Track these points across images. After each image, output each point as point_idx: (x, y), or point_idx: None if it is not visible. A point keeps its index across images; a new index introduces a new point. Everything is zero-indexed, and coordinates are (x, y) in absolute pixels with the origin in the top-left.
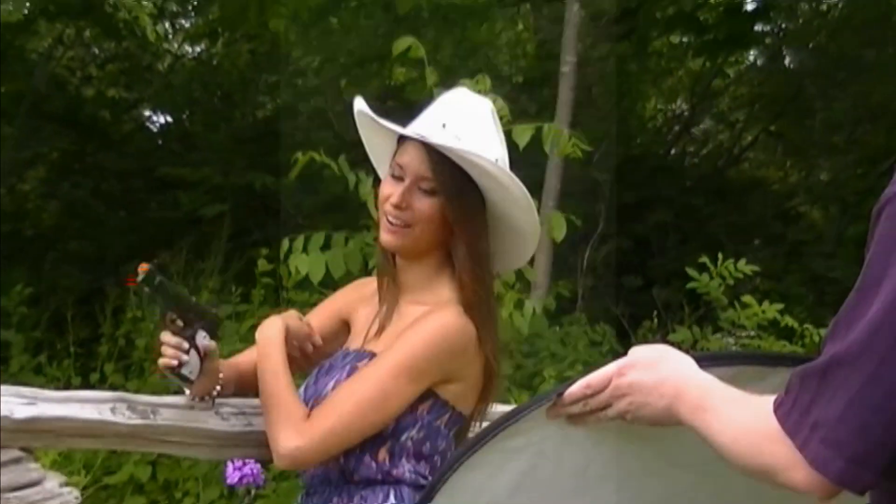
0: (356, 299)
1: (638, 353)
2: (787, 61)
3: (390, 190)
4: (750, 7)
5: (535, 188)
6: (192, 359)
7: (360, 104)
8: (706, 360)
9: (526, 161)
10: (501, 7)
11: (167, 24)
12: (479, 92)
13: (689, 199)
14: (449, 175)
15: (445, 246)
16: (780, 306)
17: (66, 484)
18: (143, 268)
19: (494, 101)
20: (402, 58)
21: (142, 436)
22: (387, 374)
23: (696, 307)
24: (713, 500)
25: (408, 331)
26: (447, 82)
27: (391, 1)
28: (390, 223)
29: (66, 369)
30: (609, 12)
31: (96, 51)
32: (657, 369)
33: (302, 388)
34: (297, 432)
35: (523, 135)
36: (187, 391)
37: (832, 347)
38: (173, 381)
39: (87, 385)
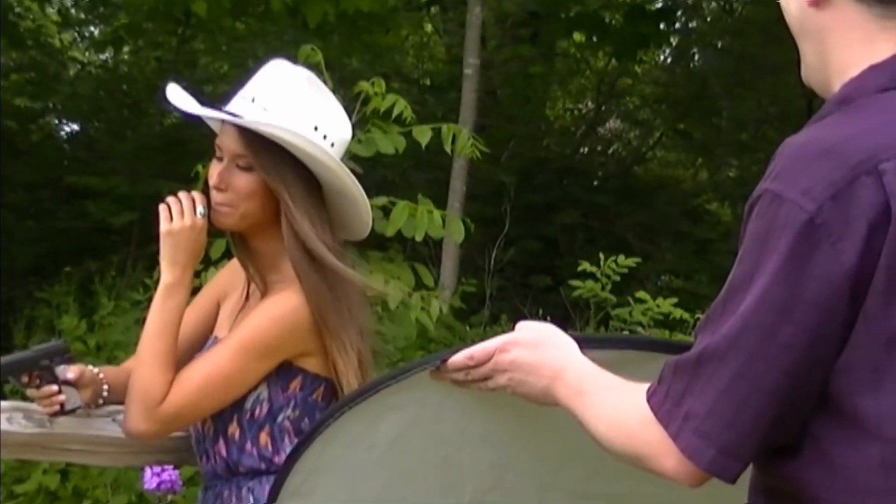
0: (229, 282)
1: (523, 331)
2: (694, 61)
3: (212, 171)
4: (656, 6)
5: (443, 189)
6: (68, 392)
7: (171, 91)
8: (590, 343)
9: (434, 163)
10: (408, 11)
11: (74, 32)
12: (375, 94)
13: (596, 198)
14: (262, 148)
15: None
16: (675, 300)
17: None
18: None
19: (396, 102)
20: (305, 64)
21: (40, 444)
22: (230, 354)
23: (601, 306)
24: (585, 467)
25: (252, 312)
26: (349, 86)
27: (297, 7)
28: (216, 205)
29: None
30: (513, 15)
31: (2, 60)
32: (539, 349)
33: None
34: (146, 417)
35: (423, 135)
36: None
37: (704, 340)
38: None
39: (1, 395)
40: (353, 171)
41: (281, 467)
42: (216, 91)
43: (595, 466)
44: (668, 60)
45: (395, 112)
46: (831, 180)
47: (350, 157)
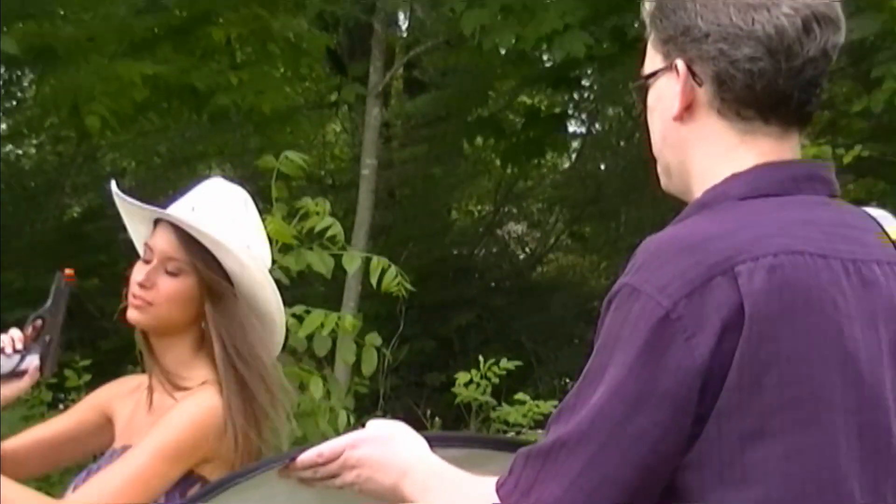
0: (117, 395)
1: (373, 428)
2: (590, 165)
3: (138, 271)
4: (554, 111)
5: (339, 287)
6: (10, 360)
7: (114, 188)
8: (437, 441)
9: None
10: (314, 110)
11: None
12: (317, 214)
13: (491, 299)
14: (198, 254)
15: (198, 327)
16: (555, 402)
17: None
18: (70, 273)
19: (332, 226)
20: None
21: None
22: (149, 458)
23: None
24: None
25: (169, 413)
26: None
27: (199, 104)
28: (134, 298)
29: None
30: (417, 116)
31: None
32: (388, 446)
33: (71, 489)
34: None
35: (351, 262)
36: None
37: (556, 430)
38: None
39: None
40: (279, 282)
41: None
42: (119, 185)
43: None
44: (567, 164)
45: (329, 234)
46: (688, 278)
47: (279, 268)
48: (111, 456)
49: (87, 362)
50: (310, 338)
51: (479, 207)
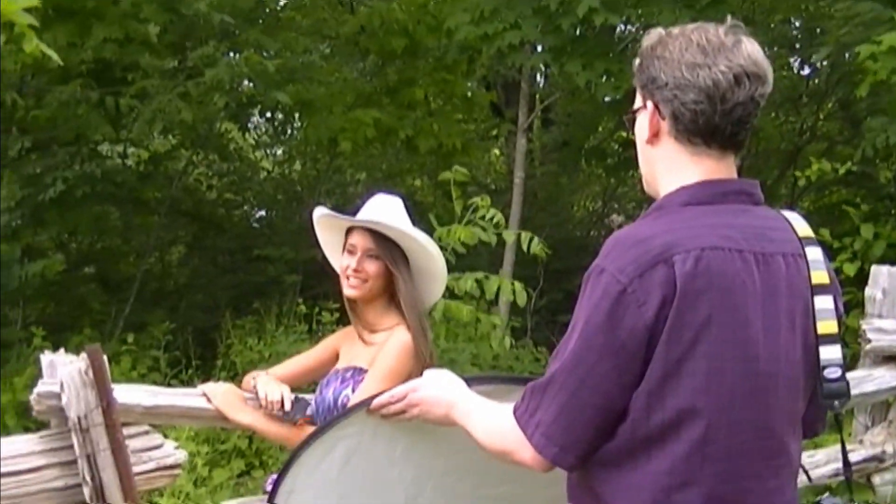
0: (345, 338)
1: (427, 376)
2: None
3: (347, 262)
4: None
5: (499, 260)
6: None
7: (321, 210)
8: (472, 381)
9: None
10: (482, 140)
11: (263, 151)
12: (482, 206)
13: None
14: (384, 245)
15: (388, 291)
16: None
17: (177, 447)
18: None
19: (497, 214)
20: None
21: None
22: (382, 377)
23: None
24: (477, 476)
25: (384, 347)
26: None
27: (412, 139)
28: (351, 283)
29: (191, 377)
30: (549, 144)
31: (216, 169)
32: (438, 388)
33: (313, 400)
34: None
35: (509, 236)
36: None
37: (551, 368)
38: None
39: None
40: (456, 252)
41: (270, 492)
42: (355, 192)
43: (483, 476)
44: None
45: (494, 219)
46: (639, 263)
47: (460, 242)
48: (336, 375)
49: (335, 305)
50: (481, 288)
51: (591, 205)
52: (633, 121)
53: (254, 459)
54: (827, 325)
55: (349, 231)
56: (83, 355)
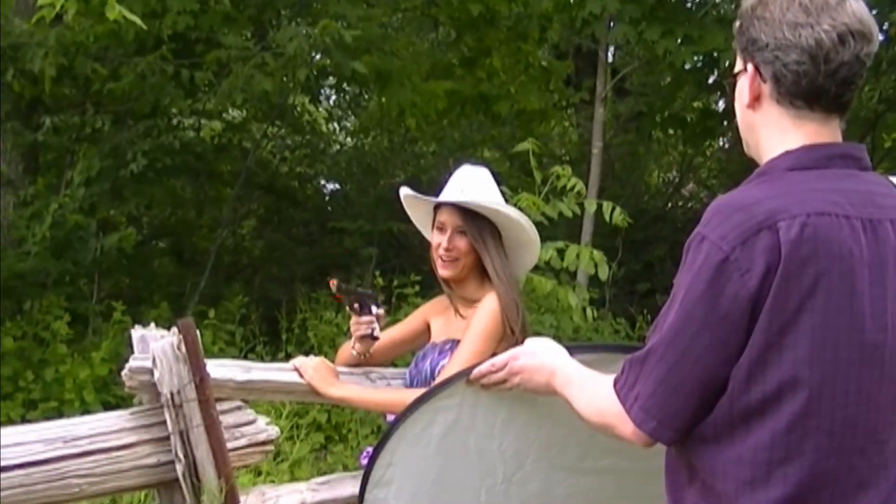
0: (435, 310)
1: (528, 344)
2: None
3: (438, 239)
4: (719, 108)
5: (576, 231)
6: (375, 325)
7: (405, 191)
8: (575, 349)
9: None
10: (556, 110)
11: (335, 123)
12: (563, 175)
13: (679, 236)
14: (473, 221)
15: (481, 265)
16: None
17: (269, 423)
18: (333, 282)
19: (577, 183)
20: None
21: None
22: (477, 341)
23: None
24: (579, 448)
25: (476, 314)
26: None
27: (486, 108)
28: (443, 260)
29: (262, 351)
30: (625, 114)
31: (289, 142)
32: (539, 356)
33: (407, 374)
34: None
35: (591, 206)
36: (356, 351)
37: (651, 341)
38: (364, 341)
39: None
40: (540, 223)
41: (367, 463)
42: (426, 163)
43: (586, 448)
44: (727, 146)
45: (576, 189)
46: (742, 230)
47: (541, 213)
48: (434, 347)
49: (418, 278)
50: (561, 259)
51: (667, 175)
52: (734, 85)
53: (332, 433)
54: None
55: (437, 207)
56: (174, 330)
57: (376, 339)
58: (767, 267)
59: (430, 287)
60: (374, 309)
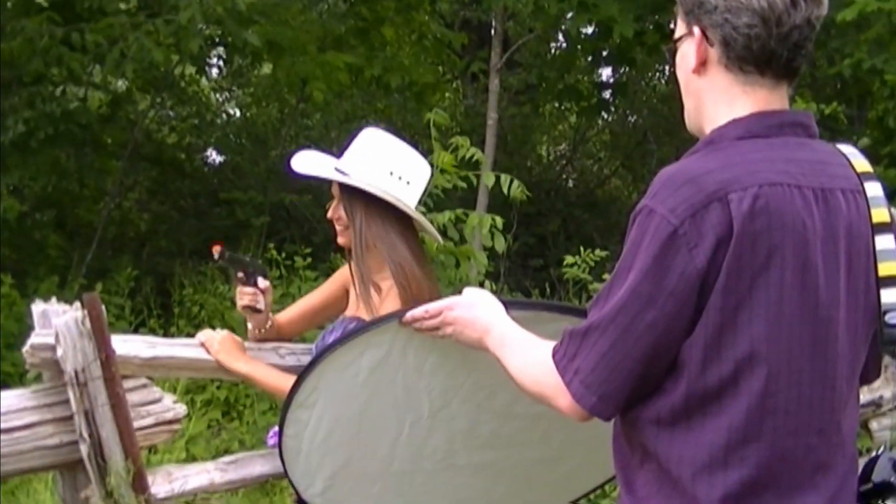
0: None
1: (466, 294)
2: (632, 119)
3: (329, 209)
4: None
5: (472, 202)
6: (260, 297)
7: (294, 165)
8: (513, 305)
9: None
10: (444, 82)
11: (224, 94)
12: (463, 146)
13: (571, 210)
14: (348, 194)
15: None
16: None
17: (177, 401)
18: (216, 248)
19: (476, 153)
20: None
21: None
22: None
23: (576, 283)
24: (510, 393)
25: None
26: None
27: (381, 77)
28: (337, 229)
29: (154, 325)
30: (516, 86)
31: (175, 113)
32: (474, 309)
33: (314, 347)
34: None
35: (489, 178)
36: (250, 325)
37: (592, 315)
38: (250, 314)
39: (167, 334)
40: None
41: (293, 384)
42: (314, 136)
43: (515, 395)
44: (614, 118)
45: (474, 158)
46: (692, 202)
47: (438, 186)
48: (342, 322)
49: (308, 250)
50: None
51: (558, 148)
52: (674, 51)
53: (229, 410)
54: (888, 267)
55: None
56: (77, 304)
57: (259, 311)
58: (717, 241)
59: (321, 259)
60: (259, 281)
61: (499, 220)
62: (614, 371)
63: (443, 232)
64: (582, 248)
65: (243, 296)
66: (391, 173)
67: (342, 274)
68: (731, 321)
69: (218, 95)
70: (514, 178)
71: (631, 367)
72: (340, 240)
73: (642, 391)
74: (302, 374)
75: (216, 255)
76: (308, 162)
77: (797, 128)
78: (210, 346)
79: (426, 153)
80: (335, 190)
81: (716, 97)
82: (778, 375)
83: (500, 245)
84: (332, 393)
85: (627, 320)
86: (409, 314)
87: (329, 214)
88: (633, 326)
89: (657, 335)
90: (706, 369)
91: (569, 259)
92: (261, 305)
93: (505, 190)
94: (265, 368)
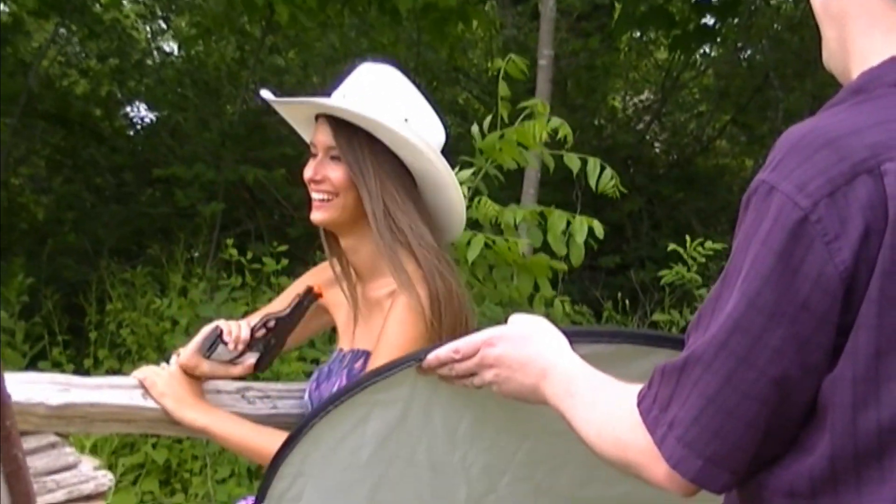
0: (327, 281)
1: (513, 324)
2: (746, 54)
3: (307, 168)
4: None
5: (518, 179)
6: (228, 354)
7: (266, 94)
8: (581, 337)
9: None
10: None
11: (160, 24)
12: (540, 114)
13: (659, 187)
14: (346, 139)
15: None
16: None
17: (100, 467)
18: (319, 290)
19: (561, 127)
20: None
21: (168, 420)
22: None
23: (674, 288)
24: (580, 470)
25: (385, 325)
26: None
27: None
28: (314, 199)
29: (61, 356)
30: (579, 9)
31: (87, 51)
32: (527, 345)
33: (306, 395)
34: None
35: (573, 163)
36: (174, 357)
37: (693, 341)
38: (207, 337)
39: (80, 370)
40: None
41: (266, 470)
42: (291, 80)
43: (591, 470)
44: (717, 54)
45: (560, 136)
46: (830, 176)
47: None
48: (341, 360)
49: (283, 248)
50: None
51: (641, 97)
52: None
53: (170, 477)
54: None
55: (317, 121)
56: None
57: (206, 354)
58: (867, 229)
59: (300, 260)
60: (248, 355)
61: (598, 226)
62: (727, 420)
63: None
64: (688, 238)
65: (236, 328)
66: (406, 120)
67: (313, 280)
68: (892, 344)
69: (148, 25)
70: (605, 165)
71: (752, 412)
72: (319, 215)
73: (768, 450)
74: (278, 453)
75: (310, 299)
76: (271, 98)
77: None
78: (152, 387)
79: (472, 116)
80: (321, 137)
81: (868, 25)
82: None
83: (579, 256)
84: (325, 479)
85: (744, 347)
86: (433, 355)
87: (310, 174)
88: (751, 355)
89: (786, 366)
90: (858, 416)
91: (672, 248)
92: (216, 355)
93: (592, 182)
94: (230, 419)
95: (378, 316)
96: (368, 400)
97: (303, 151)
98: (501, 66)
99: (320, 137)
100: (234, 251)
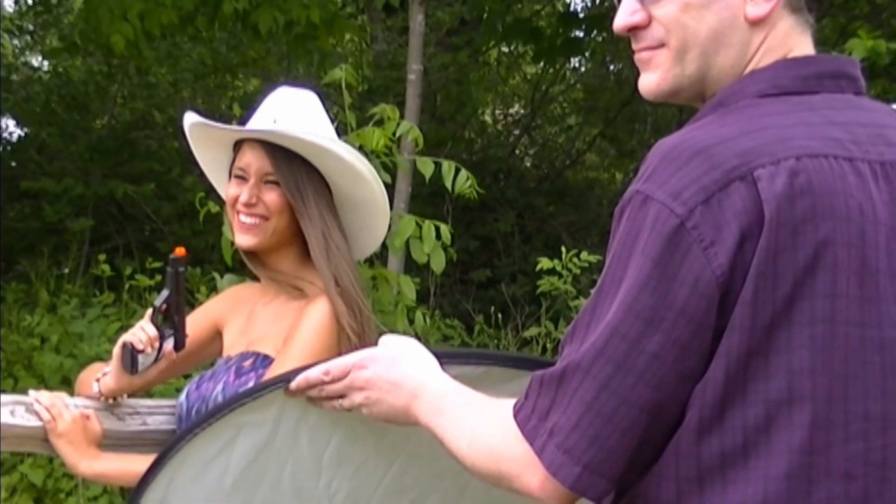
0: (228, 309)
1: (383, 346)
2: (615, 69)
3: (237, 191)
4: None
5: (388, 192)
6: (150, 356)
7: (192, 117)
8: (451, 358)
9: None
10: (343, 20)
11: (27, 38)
12: (389, 119)
13: (530, 200)
14: (286, 165)
15: (300, 241)
16: None
17: None
18: (180, 252)
19: (411, 130)
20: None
21: (39, 437)
22: (294, 363)
23: (549, 301)
24: (453, 487)
25: (297, 327)
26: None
27: (247, 14)
28: (243, 223)
29: None
30: (448, 24)
31: None
32: (398, 366)
33: (183, 396)
34: None
35: (426, 167)
36: (97, 387)
37: (570, 351)
38: (124, 358)
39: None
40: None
41: (133, 494)
42: (160, 94)
43: (463, 484)
44: (585, 68)
45: (410, 138)
46: (704, 183)
47: None
48: (227, 364)
49: (158, 265)
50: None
51: (510, 111)
52: None
53: (43, 498)
54: None
55: (238, 146)
56: None
57: (132, 366)
58: (742, 235)
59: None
60: (166, 343)
61: (445, 229)
62: (605, 427)
63: None
64: (564, 250)
65: (140, 331)
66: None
67: (218, 306)
68: (761, 346)
69: (16, 40)
70: (460, 167)
71: (630, 419)
72: (249, 240)
73: (642, 457)
74: (142, 480)
75: (173, 258)
76: (203, 123)
77: (841, 80)
78: (57, 417)
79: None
80: (253, 162)
81: (772, 43)
82: (829, 424)
83: (440, 263)
84: None
85: (622, 353)
86: (303, 376)
87: (244, 199)
88: (629, 361)
89: (665, 371)
90: (725, 415)
91: (544, 262)
92: (140, 363)
93: (448, 183)
94: (120, 458)
95: (286, 322)
96: (237, 422)
97: (171, 166)
98: (341, 76)
99: (251, 162)
100: (106, 267)
